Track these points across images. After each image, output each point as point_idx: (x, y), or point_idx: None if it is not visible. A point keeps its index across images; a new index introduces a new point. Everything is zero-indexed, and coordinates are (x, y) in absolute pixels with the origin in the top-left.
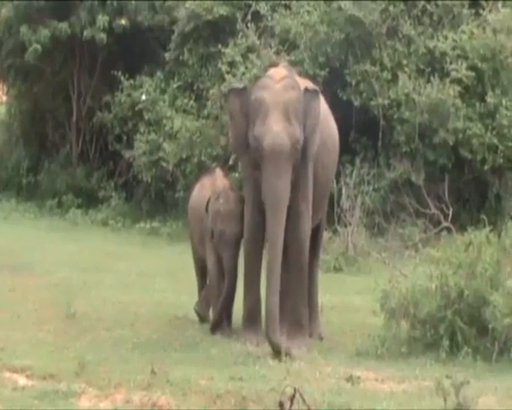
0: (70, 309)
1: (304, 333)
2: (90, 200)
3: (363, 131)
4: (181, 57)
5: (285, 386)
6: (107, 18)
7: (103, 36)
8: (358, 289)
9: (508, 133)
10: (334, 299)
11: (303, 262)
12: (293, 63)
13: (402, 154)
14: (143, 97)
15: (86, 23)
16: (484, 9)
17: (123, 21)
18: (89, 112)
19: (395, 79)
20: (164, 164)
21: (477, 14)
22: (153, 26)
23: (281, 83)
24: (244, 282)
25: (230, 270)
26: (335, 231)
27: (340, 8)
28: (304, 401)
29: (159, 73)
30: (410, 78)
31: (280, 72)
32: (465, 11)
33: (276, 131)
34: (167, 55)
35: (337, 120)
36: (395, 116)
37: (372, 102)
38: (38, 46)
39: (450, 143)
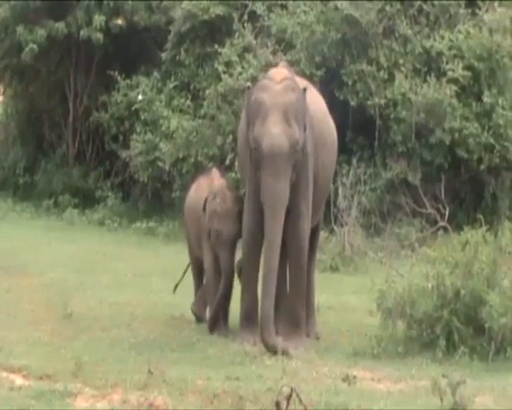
0: (66, 309)
1: (301, 333)
2: (86, 200)
3: (360, 131)
4: (177, 57)
5: (282, 386)
6: (103, 18)
7: (100, 36)
8: (355, 288)
9: (504, 133)
10: (330, 299)
11: (302, 262)
12: (289, 63)
13: (398, 153)
14: (140, 97)
15: (83, 23)
16: (480, 9)
17: (119, 21)
18: (85, 112)
19: (391, 78)
20: (160, 164)
21: (473, 14)
22: (149, 26)
23: (281, 84)
24: (242, 282)
25: (227, 270)
26: (332, 231)
27: (336, 8)
28: (300, 400)
29: (155, 73)
30: (406, 77)
31: (281, 72)
32: (461, 11)
33: (274, 132)
34: (164, 55)
35: (334, 120)
36: (392, 116)
37: (368, 102)
38: (35, 46)
39: (447, 143)
